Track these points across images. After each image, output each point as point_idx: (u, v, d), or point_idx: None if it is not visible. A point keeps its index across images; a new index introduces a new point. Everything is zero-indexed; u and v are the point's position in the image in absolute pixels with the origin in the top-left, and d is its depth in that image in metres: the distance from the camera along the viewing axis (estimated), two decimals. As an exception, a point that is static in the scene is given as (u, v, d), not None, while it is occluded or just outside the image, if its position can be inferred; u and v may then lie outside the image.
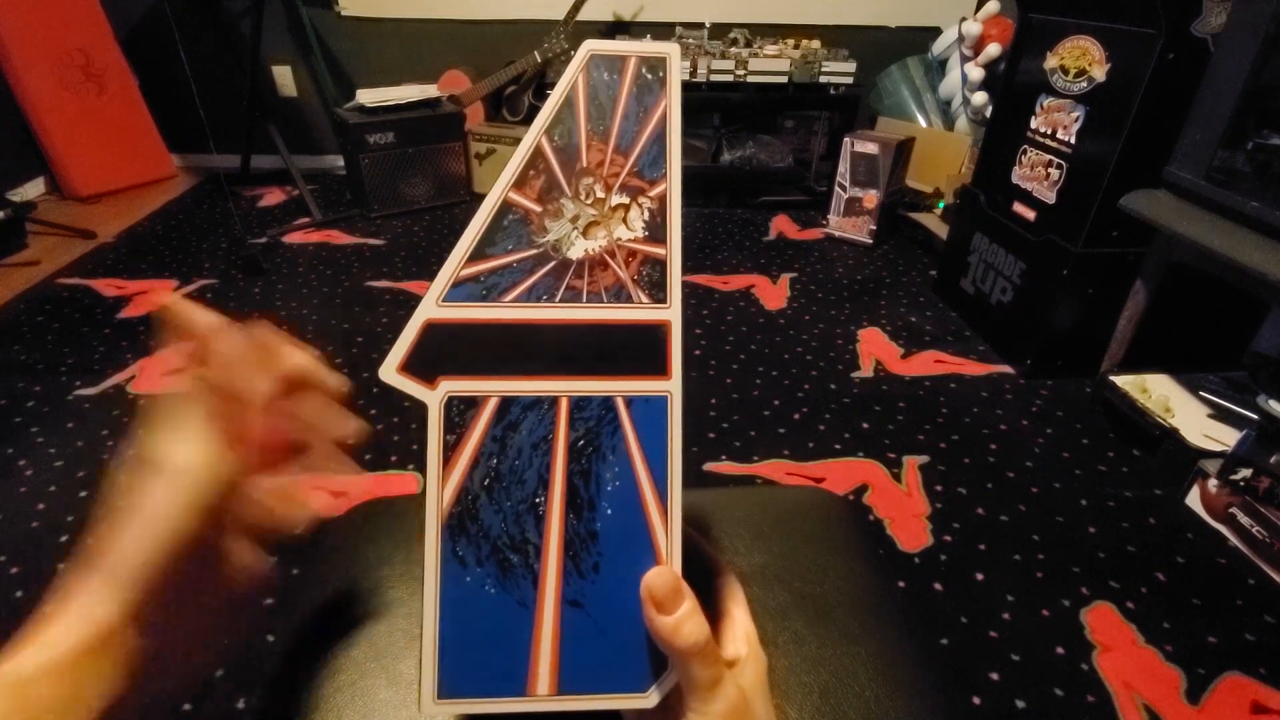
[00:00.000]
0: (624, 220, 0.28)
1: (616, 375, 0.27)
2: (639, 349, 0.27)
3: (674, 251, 0.27)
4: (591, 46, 0.28)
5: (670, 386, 0.27)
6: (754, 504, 0.53)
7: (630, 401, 0.27)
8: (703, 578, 0.32)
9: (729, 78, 2.37)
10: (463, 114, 2.51)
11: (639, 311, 0.27)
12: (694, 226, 2.46)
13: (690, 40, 2.44)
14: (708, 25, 2.51)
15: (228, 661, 0.94)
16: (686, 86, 2.37)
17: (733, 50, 2.42)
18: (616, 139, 0.28)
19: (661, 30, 2.56)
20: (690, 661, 0.26)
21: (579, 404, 0.27)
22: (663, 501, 0.27)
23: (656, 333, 0.27)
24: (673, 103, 0.27)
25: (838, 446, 1.38)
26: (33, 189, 2.52)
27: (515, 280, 0.28)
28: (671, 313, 0.27)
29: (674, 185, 0.27)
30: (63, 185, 2.52)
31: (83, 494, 1.22)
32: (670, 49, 0.28)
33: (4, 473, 1.26)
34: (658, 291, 0.27)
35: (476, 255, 0.28)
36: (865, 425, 1.44)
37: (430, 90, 2.45)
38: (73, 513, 1.18)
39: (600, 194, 0.28)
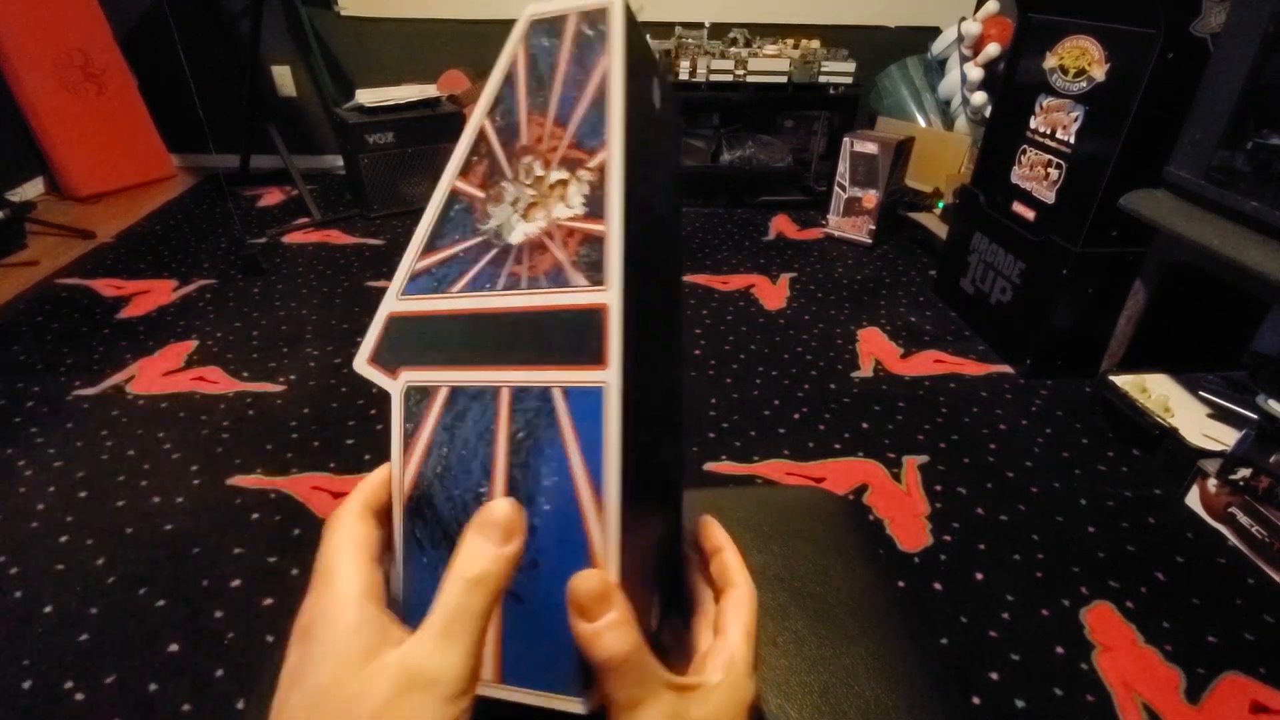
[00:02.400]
0: (562, 197, 0.26)
1: (554, 365, 0.26)
2: (576, 336, 0.25)
3: (613, 226, 0.25)
4: (531, 10, 0.26)
5: (606, 376, 0.25)
6: (754, 504, 0.53)
7: (568, 392, 0.25)
8: (701, 590, 0.31)
9: (729, 78, 2.37)
10: (462, 114, 2.51)
11: (575, 295, 0.25)
12: (694, 226, 2.46)
13: (690, 40, 2.44)
14: (707, 25, 2.51)
15: (228, 661, 0.95)
16: (686, 86, 2.37)
17: (732, 50, 2.42)
18: (556, 109, 0.25)
19: (661, 30, 2.56)
20: (607, 676, 0.24)
21: (519, 395, 0.26)
22: (600, 500, 0.25)
23: (593, 318, 0.25)
24: (614, 60, 0.25)
25: (837, 446, 1.38)
26: (32, 189, 2.52)
27: (462, 270, 0.27)
28: (609, 295, 0.24)
29: (614, 152, 0.25)
30: (62, 185, 2.52)
31: (82, 494, 1.22)
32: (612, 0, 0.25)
33: (3, 473, 1.26)
34: (595, 273, 0.25)
35: (429, 248, 0.28)
36: (865, 425, 1.44)
37: (429, 90, 2.44)
38: (72, 513, 1.18)
39: (540, 171, 0.26)
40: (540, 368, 0.26)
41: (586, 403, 0.25)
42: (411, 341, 0.28)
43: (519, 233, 0.26)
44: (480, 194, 0.27)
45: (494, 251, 0.27)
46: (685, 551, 0.34)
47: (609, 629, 0.24)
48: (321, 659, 0.22)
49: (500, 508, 0.24)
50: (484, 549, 0.24)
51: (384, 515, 0.28)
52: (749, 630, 0.29)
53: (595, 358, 0.25)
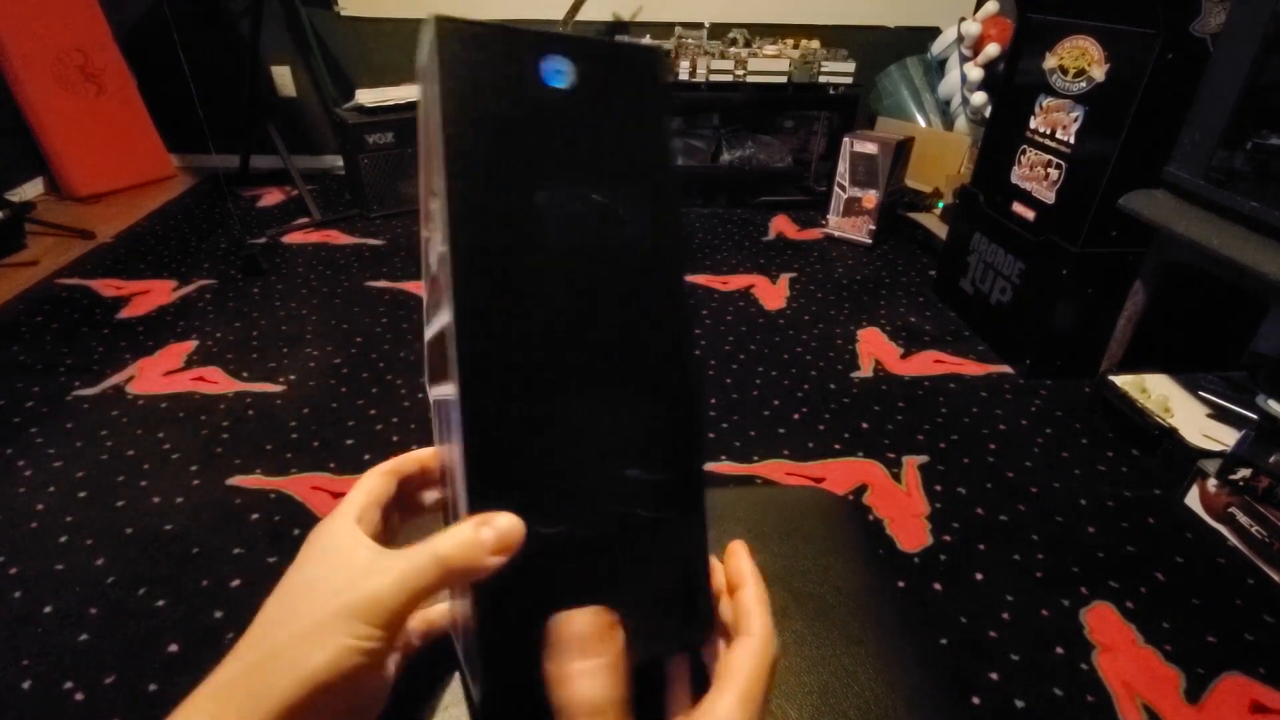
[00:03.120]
0: (438, 227, 0.26)
1: (452, 379, 0.27)
2: (448, 354, 0.26)
3: (446, 245, 0.25)
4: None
5: (452, 392, 0.25)
6: (754, 504, 0.53)
7: (458, 404, 0.26)
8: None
9: (728, 78, 2.37)
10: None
11: (444, 317, 0.26)
12: (694, 226, 2.46)
13: (690, 40, 2.44)
14: (707, 25, 2.51)
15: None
16: (686, 87, 2.37)
17: (732, 50, 2.42)
18: (430, 145, 0.26)
19: (661, 30, 2.56)
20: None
21: (452, 406, 0.27)
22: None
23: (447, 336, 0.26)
24: (430, 78, 0.25)
25: (837, 446, 1.38)
26: (31, 189, 2.52)
27: (432, 302, 0.31)
28: (448, 316, 0.25)
29: (437, 174, 0.25)
30: (62, 185, 2.52)
31: (82, 494, 1.22)
32: (425, 30, 0.26)
33: (3, 473, 1.26)
34: (447, 294, 0.25)
35: (427, 288, 0.32)
36: (865, 425, 1.44)
37: (430, 90, 2.44)
38: (72, 513, 1.18)
39: (433, 207, 0.27)
40: (451, 382, 0.27)
41: (457, 416, 0.26)
42: (433, 364, 0.33)
43: (435, 265, 0.29)
44: (431, 237, 0.30)
45: (436, 284, 0.30)
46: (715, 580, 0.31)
47: (586, 674, 0.24)
48: (320, 561, 0.26)
49: (505, 520, 0.25)
50: (469, 541, 0.24)
51: (407, 480, 0.32)
52: (749, 692, 0.25)
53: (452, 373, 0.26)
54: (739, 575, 0.29)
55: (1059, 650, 0.99)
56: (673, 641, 0.28)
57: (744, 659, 0.26)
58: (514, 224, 0.26)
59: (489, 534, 0.24)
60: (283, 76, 2.77)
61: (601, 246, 0.27)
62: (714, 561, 0.30)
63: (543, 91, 0.26)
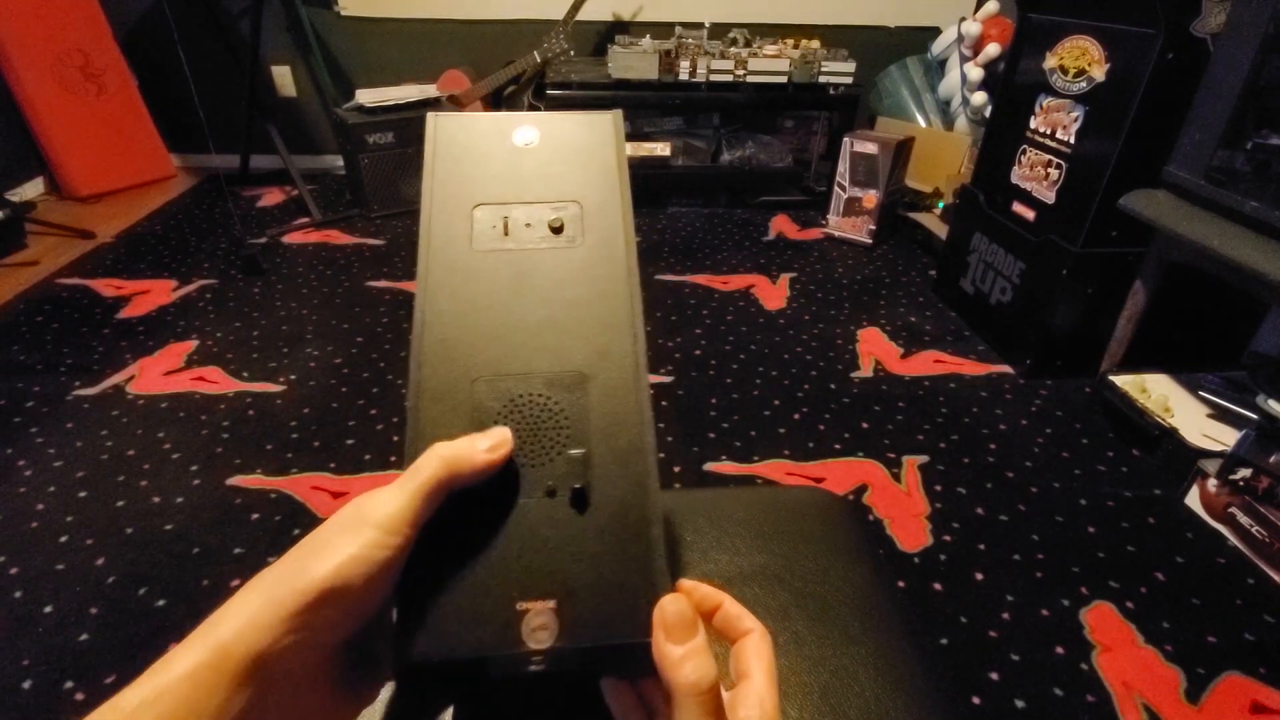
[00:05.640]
0: None
1: None
2: None
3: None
4: None
5: None
6: (754, 504, 0.53)
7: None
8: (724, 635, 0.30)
9: (729, 78, 2.36)
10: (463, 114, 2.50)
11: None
12: (694, 226, 2.46)
13: (690, 40, 2.44)
14: (707, 25, 2.51)
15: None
16: (686, 86, 2.37)
17: (732, 50, 2.42)
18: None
19: (661, 30, 2.56)
20: (685, 702, 0.25)
21: None
22: None
23: None
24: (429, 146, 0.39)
25: (837, 446, 1.38)
26: (32, 189, 2.52)
27: None
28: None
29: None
30: (62, 185, 2.52)
31: (82, 494, 1.22)
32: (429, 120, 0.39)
33: (3, 473, 1.26)
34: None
35: None
36: (865, 425, 1.44)
37: (429, 90, 2.44)
38: (72, 513, 1.18)
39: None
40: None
41: None
42: None
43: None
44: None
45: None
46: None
47: (693, 655, 0.25)
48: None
49: (497, 429, 0.30)
50: (469, 443, 0.28)
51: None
52: (772, 673, 0.28)
53: None
54: (711, 597, 0.30)
55: (1059, 650, 0.99)
56: (609, 630, 0.27)
57: (760, 647, 0.28)
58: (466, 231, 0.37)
59: (483, 437, 0.29)
60: (283, 76, 2.77)
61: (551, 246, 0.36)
62: (691, 585, 0.30)
63: (516, 147, 0.38)
